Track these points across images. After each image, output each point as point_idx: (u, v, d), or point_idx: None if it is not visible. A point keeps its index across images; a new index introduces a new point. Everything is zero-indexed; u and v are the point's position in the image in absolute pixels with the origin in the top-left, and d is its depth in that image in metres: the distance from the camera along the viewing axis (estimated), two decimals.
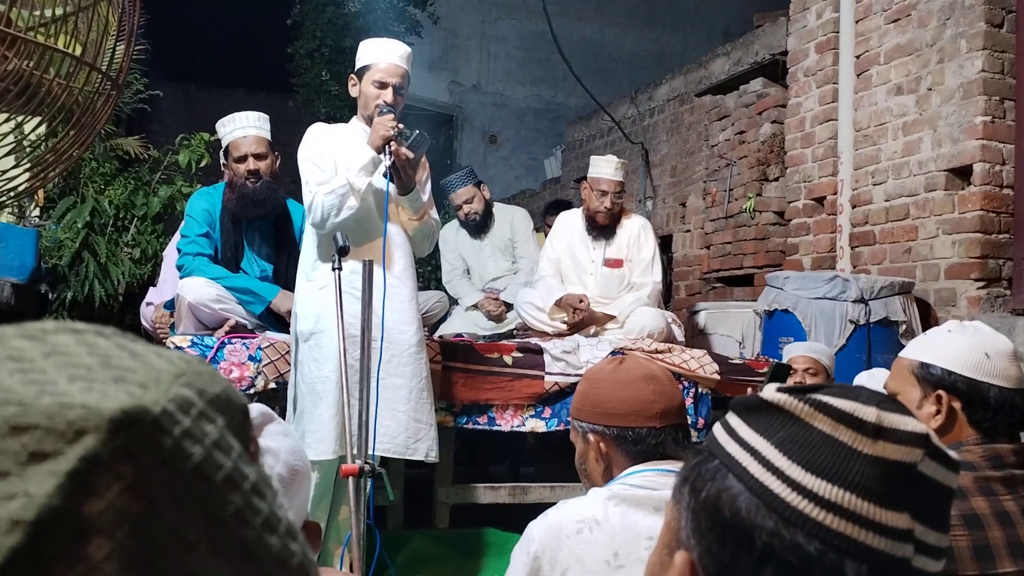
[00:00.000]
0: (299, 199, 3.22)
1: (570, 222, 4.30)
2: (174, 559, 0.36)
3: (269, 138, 3.57)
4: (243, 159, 3.46)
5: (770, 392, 0.59)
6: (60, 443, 0.35)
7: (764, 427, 0.58)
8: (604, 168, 4.17)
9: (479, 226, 4.75)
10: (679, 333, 4.19)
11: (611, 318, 4.01)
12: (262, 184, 3.46)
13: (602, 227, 4.18)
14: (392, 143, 2.86)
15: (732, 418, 0.61)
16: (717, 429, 0.61)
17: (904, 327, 3.86)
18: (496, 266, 4.80)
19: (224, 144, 3.57)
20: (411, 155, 2.91)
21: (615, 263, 4.18)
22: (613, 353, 3.61)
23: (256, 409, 1.00)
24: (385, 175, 2.89)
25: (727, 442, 0.60)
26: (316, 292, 2.95)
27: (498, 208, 4.93)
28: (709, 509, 0.57)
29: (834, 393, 0.59)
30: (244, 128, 3.51)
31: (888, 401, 0.60)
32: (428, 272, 7.97)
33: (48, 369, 0.38)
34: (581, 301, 3.98)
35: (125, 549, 0.34)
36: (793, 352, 3.36)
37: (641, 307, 4.01)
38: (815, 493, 0.55)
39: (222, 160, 3.64)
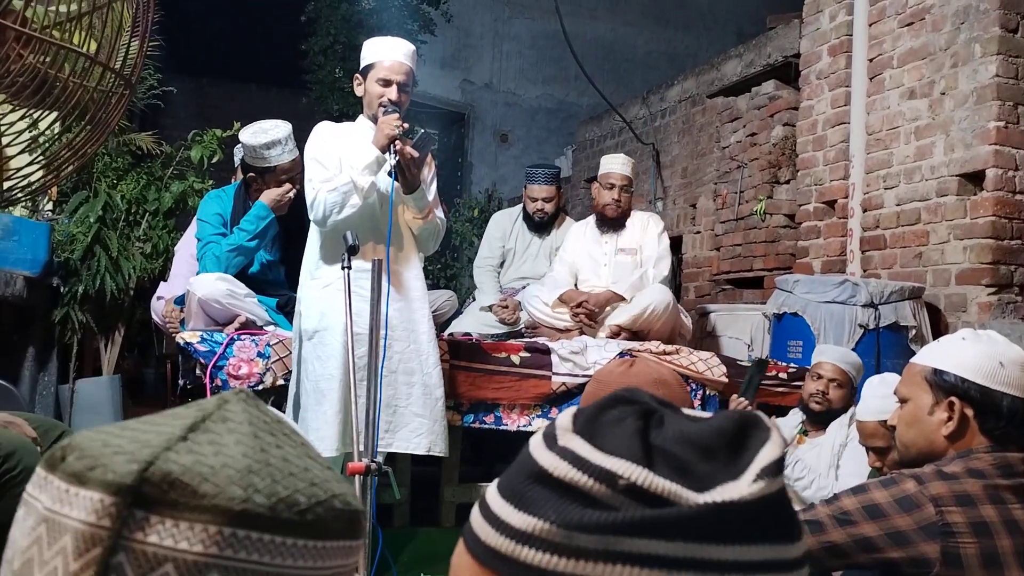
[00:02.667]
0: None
1: (582, 228, 4.41)
2: None
3: (298, 155, 3.53)
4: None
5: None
6: None
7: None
8: (613, 163, 4.30)
9: (542, 226, 4.74)
10: (687, 321, 4.22)
11: (620, 298, 4.05)
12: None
13: (612, 221, 4.24)
14: (397, 142, 2.86)
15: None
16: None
17: (914, 332, 3.84)
18: (535, 267, 4.76)
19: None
20: (416, 154, 2.91)
21: (628, 251, 4.27)
22: (622, 355, 3.61)
23: None
24: (390, 174, 2.89)
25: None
26: (320, 290, 2.96)
27: (564, 218, 4.89)
28: None
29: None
30: (280, 156, 3.49)
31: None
32: (437, 271, 7.99)
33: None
34: (580, 305, 4.01)
35: None
36: (824, 356, 3.22)
37: (646, 286, 4.07)
38: None
39: (252, 174, 3.56)
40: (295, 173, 3.51)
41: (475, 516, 0.51)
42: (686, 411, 0.53)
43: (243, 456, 0.49)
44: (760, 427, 0.51)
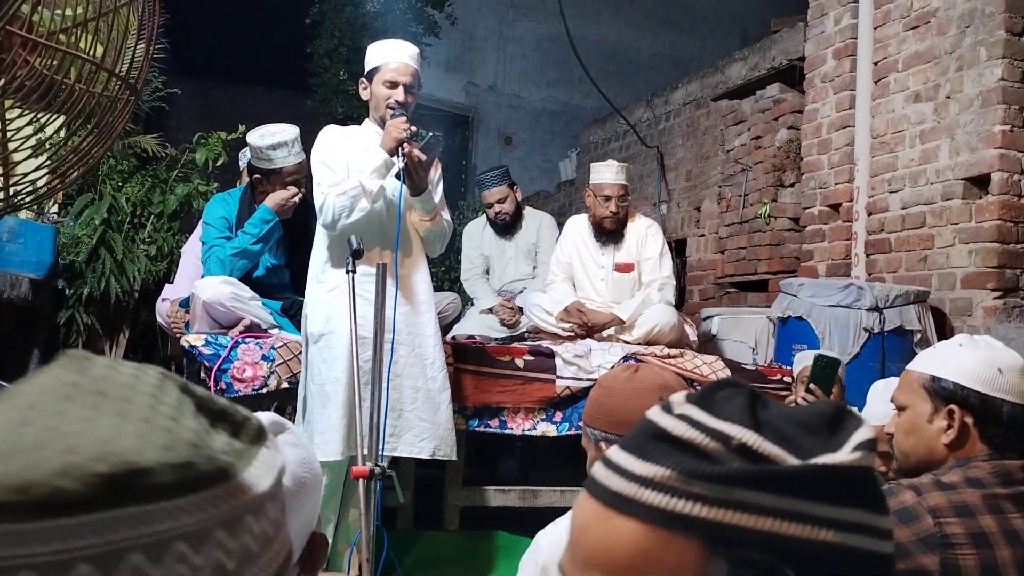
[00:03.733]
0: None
1: (578, 227, 4.31)
2: None
3: (304, 158, 3.54)
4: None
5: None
6: None
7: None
8: (605, 173, 4.20)
9: (507, 227, 4.77)
10: (691, 332, 4.19)
11: (620, 322, 4.01)
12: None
13: (610, 232, 4.18)
14: (405, 145, 2.87)
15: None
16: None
17: (919, 336, 3.83)
18: (517, 268, 4.81)
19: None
20: (424, 157, 2.91)
21: (625, 267, 4.20)
22: (626, 359, 3.61)
23: (268, 418, 1.00)
24: (398, 176, 2.89)
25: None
26: (326, 294, 2.97)
27: (528, 212, 4.94)
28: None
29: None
30: (286, 158, 3.50)
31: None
32: (441, 273, 7.99)
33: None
34: (581, 325, 4.00)
35: None
36: (806, 360, 3.29)
37: (650, 306, 4.02)
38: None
39: (258, 175, 3.58)
40: (300, 176, 3.51)
41: (598, 469, 0.59)
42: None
43: None
44: (853, 415, 0.58)
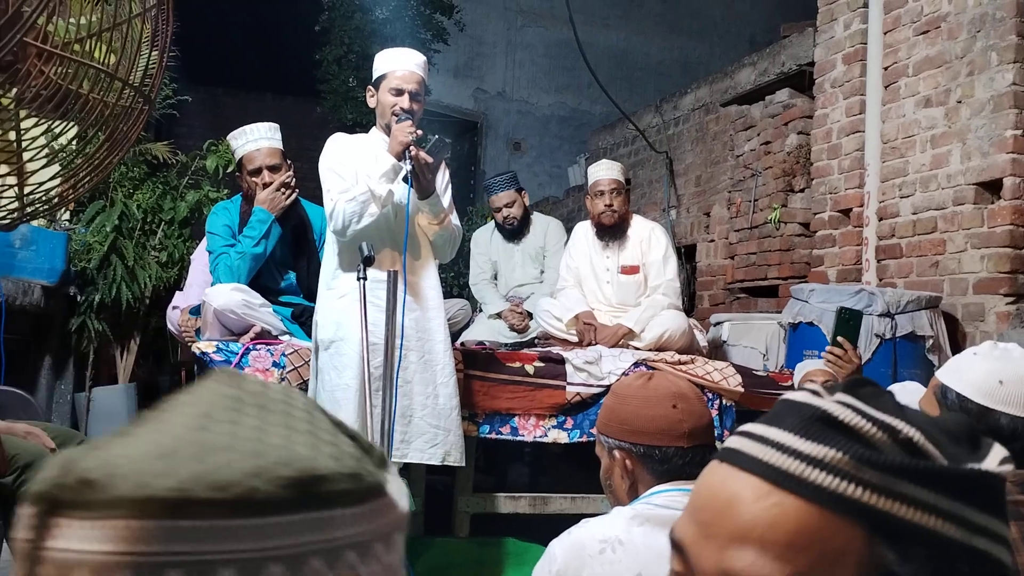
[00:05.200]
0: (321, 204, 3.24)
1: (584, 233, 4.34)
2: None
3: (281, 147, 3.61)
4: (257, 172, 3.53)
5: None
6: None
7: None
8: (598, 171, 4.27)
9: (515, 231, 4.78)
10: (702, 339, 4.18)
11: (628, 331, 3.99)
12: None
13: (610, 229, 4.20)
14: (412, 148, 2.88)
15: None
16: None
17: (931, 342, 3.81)
18: (524, 273, 4.81)
19: (238, 157, 3.63)
20: (430, 160, 2.93)
21: (630, 270, 4.20)
22: (637, 365, 3.60)
23: None
24: (405, 179, 2.90)
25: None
26: (336, 300, 2.97)
27: (536, 217, 4.96)
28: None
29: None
30: (256, 141, 3.57)
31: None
32: (450, 279, 8.00)
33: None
34: (588, 326, 3.99)
35: None
36: (810, 366, 3.28)
37: (659, 313, 4.01)
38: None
39: (237, 172, 3.70)
40: (276, 163, 3.54)
41: (740, 442, 0.58)
42: None
43: (173, 439, 0.44)
44: (983, 430, 0.63)
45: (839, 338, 2.53)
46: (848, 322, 2.57)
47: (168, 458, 0.43)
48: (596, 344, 3.94)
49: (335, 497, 0.46)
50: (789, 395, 0.59)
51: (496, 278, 4.96)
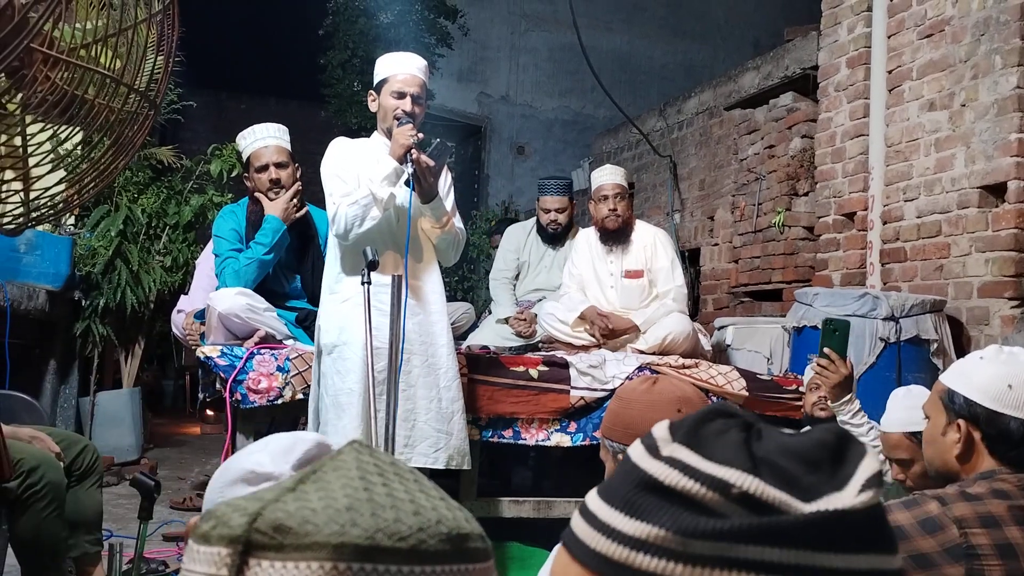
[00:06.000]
0: (324, 207, 3.25)
1: (588, 239, 4.34)
2: None
3: (289, 148, 3.63)
4: (264, 169, 3.54)
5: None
6: None
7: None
8: (602, 176, 4.28)
9: (556, 236, 4.75)
10: (706, 343, 4.17)
11: (635, 328, 3.99)
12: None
13: (614, 234, 4.20)
14: (413, 151, 2.88)
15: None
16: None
17: (936, 346, 3.81)
18: (549, 278, 4.77)
19: (245, 156, 3.64)
20: (432, 163, 2.93)
21: (634, 274, 4.19)
22: (641, 369, 3.60)
23: (312, 439, 1.03)
24: (407, 183, 2.90)
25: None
26: (339, 305, 2.98)
27: (580, 230, 4.92)
28: None
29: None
30: (264, 139, 3.58)
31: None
32: (454, 283, 8.00)
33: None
34: (603, 328, 3.98)
35: None
36: (811, 375, 3.27)
37: (664, 314, 4.00)
38: None
39: (244, 173, 3.71)
40: (284, 161, 3.55)
41: (578, 525, 0.54)
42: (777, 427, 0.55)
43: (345, 496, 0.52)
44: (855, 442, 0.53)
45: (825, 349, 2.54)
46: (834, 332, 2.59)
47: (351, 512, 0.51)
48: (609, 329, 3.93)
49: (476, 553, 0.54)
50: (629, 451, 0.54)
51: (517, 278, 4.92)
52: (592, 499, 0.53)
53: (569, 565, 0.53)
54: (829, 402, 2.57)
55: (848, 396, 2.52)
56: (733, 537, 0.47)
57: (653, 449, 0.52)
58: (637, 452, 0.53)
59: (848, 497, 0.49)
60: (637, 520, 0.49)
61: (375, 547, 0.50)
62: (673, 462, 0.51)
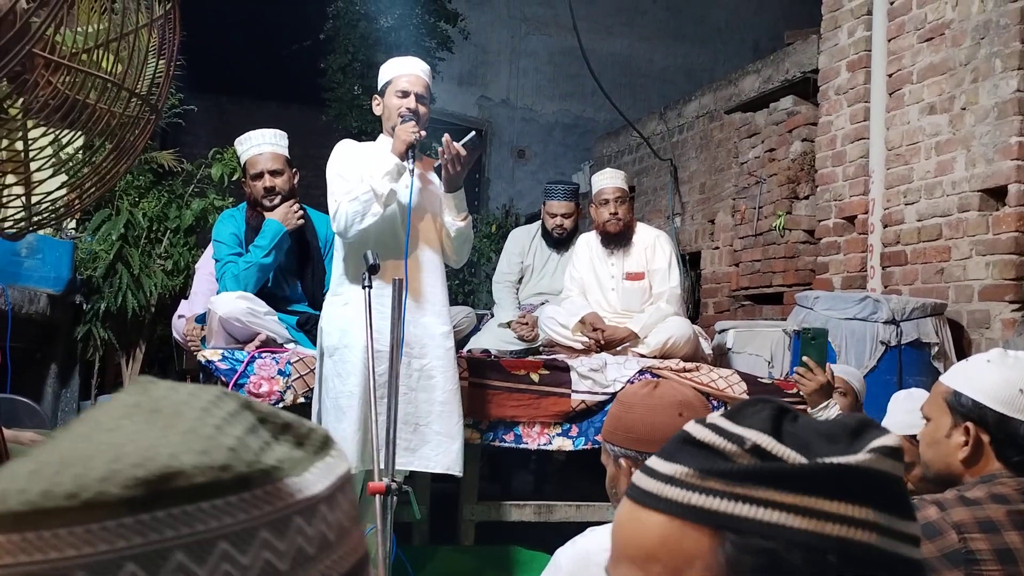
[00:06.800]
0: (325, 211, 3.26)
1: (588, 242, 4.34)
2: None
3: (286, 154, 3.62)
4: (259, 176, 3.54)
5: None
6: None
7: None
8: (602, 179, 4.27)
9: (561, 241, 4.75)
10: (706, 346, 4.17)
11: (634, 335, 3.98)
12: (280, 201, 3.52)
13: (615, 237, 4.19)
14: (414, 150, 2.90)
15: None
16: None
17: (936, 349, 3.81)
18: (553, 282, 4.77)
19: (243, 161, 3.64)
20: (463, 152, 2.94)
21: (635, 276, 4.19)
22: (642, 373, 3.60)
23: None
24: (408, 186, 2.91)
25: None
26: (341, 308, 2.98)
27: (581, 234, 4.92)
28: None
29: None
30: (260, 145, 3.58)
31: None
32: (455, 286, 8.00)
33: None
34: (597, 330, 3.98)
35: None
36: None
37: (664, 319, 4.00)
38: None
39: (242, 178, 3.71)
40: (279, 168, 3.56)
41: (637, 476, 0.65)
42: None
43: (50, 453, 0.46)
44: (877, 426, 0.62)
45: (804, 358, 2.59)
46: (812, 341, 2.65)
47: (34, 473, 0.45)
48: (605, 339, 3.93)
49: (194, 491, 0.46)
50: (686, 425, 0.64)
51: (520, 281, 4.92)
52: (651, 458, 0.65)
53: (624, 503, 0.64)
54: (808, 408, 2.60)
55: (825, 403, 2.55)
56: (740, 476, 0.58)
57: (702, 420, 0.64)
58: (690, 424, 0.64)
59: (853, 456, 0.57)
60: (670, 462, 0.61)
61: (34, 511, 0.44)
62: (709, 425, 0.62)
